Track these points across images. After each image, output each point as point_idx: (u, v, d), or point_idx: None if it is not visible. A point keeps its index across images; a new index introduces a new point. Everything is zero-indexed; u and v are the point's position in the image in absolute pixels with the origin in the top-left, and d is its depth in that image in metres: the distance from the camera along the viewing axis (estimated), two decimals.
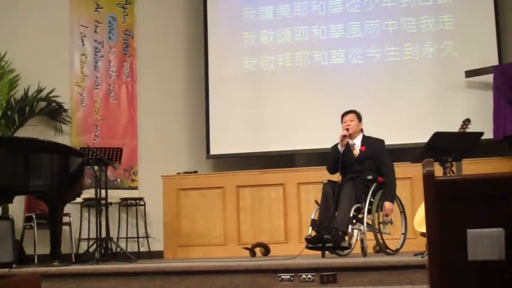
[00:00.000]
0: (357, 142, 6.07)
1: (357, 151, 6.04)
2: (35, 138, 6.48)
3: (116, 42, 8.64)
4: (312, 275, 4.78)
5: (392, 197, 5.91)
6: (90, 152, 6.50)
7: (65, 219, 7.01)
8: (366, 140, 6.09)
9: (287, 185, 7.70)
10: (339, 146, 5.98)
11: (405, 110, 7.94)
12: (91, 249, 6.57)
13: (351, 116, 6.10)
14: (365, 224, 5.72)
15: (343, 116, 6.15)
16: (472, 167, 6.10)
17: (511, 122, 7.24)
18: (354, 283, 4.71)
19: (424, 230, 3.56)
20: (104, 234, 6.49)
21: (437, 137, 5.31)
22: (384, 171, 5.95)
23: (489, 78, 7.61)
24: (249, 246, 7.13)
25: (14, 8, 8.29)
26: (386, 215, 5.85)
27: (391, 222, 5.91)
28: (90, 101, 8.44)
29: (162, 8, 8.93)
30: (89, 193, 7.17)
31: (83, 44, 8.47)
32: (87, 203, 7.81)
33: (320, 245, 5.61)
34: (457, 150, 5.35)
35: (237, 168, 8.31)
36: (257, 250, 7.11)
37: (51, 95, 8.11)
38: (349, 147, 6.04)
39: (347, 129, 6.00)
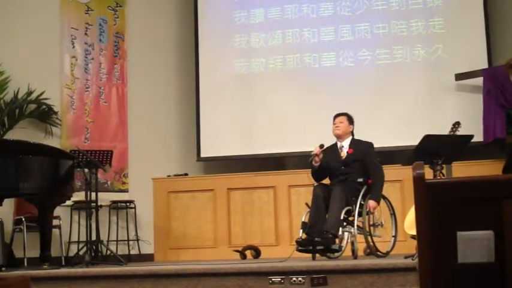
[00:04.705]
0: (345, 144, 6.13)
1: (344, 153, 6.08)
2: (24, 141, 6.44)
3: (106, 44, 8.62)
4: (302, 278, 4.78)
5: (377, 196, 5.89)
6: (81, 154, 6.47)
7: (55, 222, 7.00)
8: (355, 142, 6.14)
9: (278, 188, 7.70)
10: (313, 163, 5.94)
11: (395, 112, 7.96)
12: (81, 252, 6.53)
13: (342, 118, 6.18)
14: (355, 227, 5.73)
15: (334, 117, 6.22)
16: (462, 169, 6.14)
17: (500, 124, 7.26)
18: (345, 286, 4.72)
19: (414, 232, 3.57)
20: (94, 237, 6.46)
21: (428, 139, 5.33)
22: (372, 171, 5.96)
23: (479, 81, 7.64)
24: (240, 248, 7.13)
25: (4, 10, 8.24)
26: (371, 213, 5.82)
27: (382, 225, 5.92)
28: (80, 103, 8.41)
29: (153, 11, 8.91)
30: (79, 196, 7.14)
31: (73, 47, 8.44)
32: (78, 206, 7.79)
33: (311, 247, 5.62)
34: (447, 153, 5.36)
35: (227, 170, 8.30)
36: (248, 253, 7.11)
37: (41, 97, 8.06)
38: (336, 150, 6.10)
39: (317, 154, 5.87)
